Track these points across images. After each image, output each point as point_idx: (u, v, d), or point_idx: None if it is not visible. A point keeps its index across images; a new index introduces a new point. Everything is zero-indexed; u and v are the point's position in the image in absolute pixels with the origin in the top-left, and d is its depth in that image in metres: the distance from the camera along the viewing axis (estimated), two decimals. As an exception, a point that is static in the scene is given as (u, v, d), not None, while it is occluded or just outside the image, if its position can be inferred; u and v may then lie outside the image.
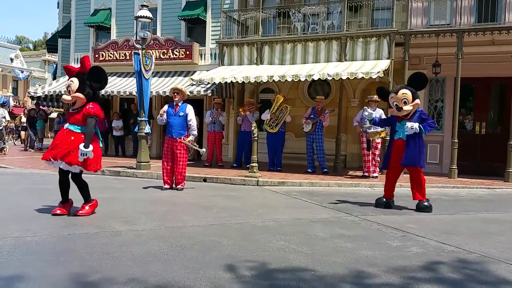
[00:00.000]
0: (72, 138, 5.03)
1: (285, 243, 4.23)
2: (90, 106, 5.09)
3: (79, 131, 5.06)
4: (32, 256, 3.61)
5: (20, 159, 12.62)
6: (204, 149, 8.21)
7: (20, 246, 3.84)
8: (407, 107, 6.14)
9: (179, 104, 7.70)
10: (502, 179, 9.73)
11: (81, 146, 4.93)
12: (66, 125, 5.18)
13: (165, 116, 7.70)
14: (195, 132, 7.72)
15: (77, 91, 5.07)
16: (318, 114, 10.24)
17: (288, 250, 3.97)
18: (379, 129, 9.40)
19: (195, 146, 7.97)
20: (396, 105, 6.17)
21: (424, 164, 6.39)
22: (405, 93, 6.18)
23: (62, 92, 14.34)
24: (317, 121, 10.20)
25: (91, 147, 4.97)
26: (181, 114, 7.61)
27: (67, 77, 5.47)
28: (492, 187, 8.97)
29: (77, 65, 5.88)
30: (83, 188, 5.25)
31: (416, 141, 6.18)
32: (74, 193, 5.29)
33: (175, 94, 7.75)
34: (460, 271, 3.50)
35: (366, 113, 6.82)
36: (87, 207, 5.24)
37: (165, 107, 7.86)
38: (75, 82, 5.10)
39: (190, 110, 7.67)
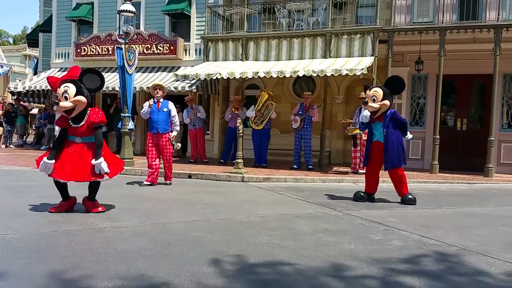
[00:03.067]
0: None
1: (270, 238, 4.25)
2: (94, 114, 4.97)
3: (89, 141, 5.02)
4: (13, 253, 3.55)
5: (0, 156, 12.38)
6: (179, 144, 8.12)
7: (1, 244, 3.78)
8: (373, 104, 6.28)
9: (161, 100, 7.79)
10: (482, 174, 9.94)
11: (93, 161, 4.86)
12: (79, 139, 4.98)
13: (148, 110, 7.76)
14: (178, 128, 7.91)
15: (76, 95, 4.86)
16: (306, 110, 10.27)
17: (272, 245, 3.99)
18: (357, 126, 9.63)
19: (173, 142, 7.92)
20: (365, 100, 6.32)
21: (405, 160, 6.54)
22: (376, 91, 6.35)
23: (44, 88, 14.16)
24: (306, 117, 10.23)
25: (102, 159, 4.90)
26: (165, 109, 7.72)
27: (48, 72, 5.34)
28: (472, 182, 9.15)
29: (58, 71, 5.79)
30: (97, 188, 5.26)
31: (394, 142, 6.32)
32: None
33: (158, 90, 7.83)
34: (440, 264, 3.57)
35: (365, 114, 6.48)
36: (98, 206, 5.28)
37: (151, 101, 7.87)
38: (71, 87, 4.87)
39: (172, 106, 7.83)
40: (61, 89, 4.88)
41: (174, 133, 7.78)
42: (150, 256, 3.55)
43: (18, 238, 3.99)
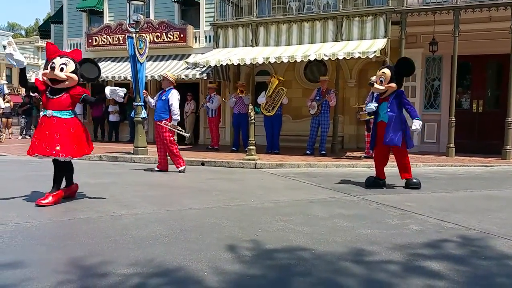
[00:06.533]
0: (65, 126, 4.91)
1: (285, 223, 4.24)
2: (76, 89, 5.03)
3: (68, 115, 4.96)
4: (33, 241, 3.61)
5: (17, 147, 12.57)
6: (188, 134, 8.56)
7: (21, 232, 3.84)
8: (379, 86, 6.14)
9: (166, 89, 8.01)
10: (500, 157, 9.77)
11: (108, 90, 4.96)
12: (50, 112, 4.88)
13: (149, 98, 8.29)
14: (176, 117, 7.88)
15: (72, 73, 4.96)
16: (323, 95, 10.15)
17: (287, 230, 3.99)
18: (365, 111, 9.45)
19: (179, 130, 8.08)
20: (371, 82, 6.14)
21: (412, 143, 6.34)
22: (384, 72, 6.16)
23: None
24: (323, 102, 10.12)
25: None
26: (163, 98, 7.93)
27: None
28: (489, 165, 9.01)
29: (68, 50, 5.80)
30: (65, 173, 5.19)
31: (396, 119, 6.12)
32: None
33: (162, 80, 8.21)
34: (460, 248, 3.52)
35: (372, 106, 6.34)
36: (50, 197, 4.99)
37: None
38: (71, 64, 4.98)
39: (172, 95, 7.89)
40: (61, 60, 4.95)
41: (173, 122, 7.85)
42: (167, 242, 3.58)
43: (37, 226, 4.05)
